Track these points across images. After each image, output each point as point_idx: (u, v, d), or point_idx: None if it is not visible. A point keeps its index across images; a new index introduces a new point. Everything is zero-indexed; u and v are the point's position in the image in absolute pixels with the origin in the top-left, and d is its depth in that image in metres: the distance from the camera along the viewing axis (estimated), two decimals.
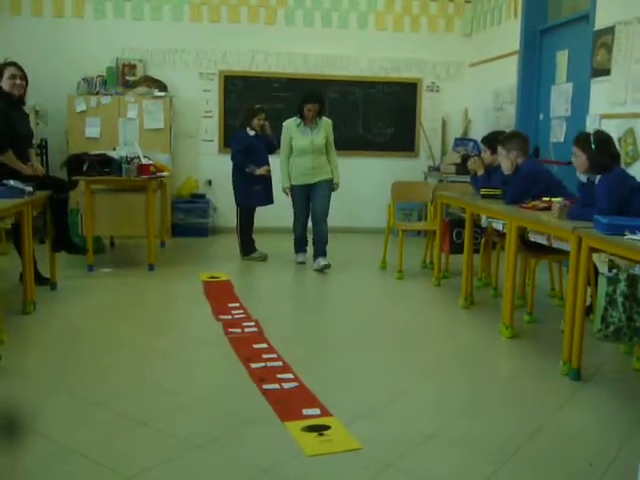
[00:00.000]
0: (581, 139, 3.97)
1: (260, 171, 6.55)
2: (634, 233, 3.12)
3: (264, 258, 6.70)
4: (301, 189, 6.31)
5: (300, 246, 6.58)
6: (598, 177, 3.87)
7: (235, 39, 8.19)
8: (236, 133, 6.82)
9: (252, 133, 6.60)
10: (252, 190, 6.61)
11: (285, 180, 6.32)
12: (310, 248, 6.49)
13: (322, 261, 6.22)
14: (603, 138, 3.95)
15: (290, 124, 6.27)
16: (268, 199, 6.71)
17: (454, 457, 2.71)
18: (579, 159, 3.92)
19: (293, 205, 6.41)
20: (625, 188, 3.75)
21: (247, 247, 6.73)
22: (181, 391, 3.33)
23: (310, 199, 6.34)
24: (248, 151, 6.55)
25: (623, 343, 3.66)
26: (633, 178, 3.92)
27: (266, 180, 6.64)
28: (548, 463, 2.64)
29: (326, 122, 6.31)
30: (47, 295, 5.07)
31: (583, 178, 4.10)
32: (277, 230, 8.08)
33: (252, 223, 6.79)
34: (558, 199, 4.14)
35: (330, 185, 6.36)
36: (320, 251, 6.31)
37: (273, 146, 6.71)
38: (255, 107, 6.74)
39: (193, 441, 2.74)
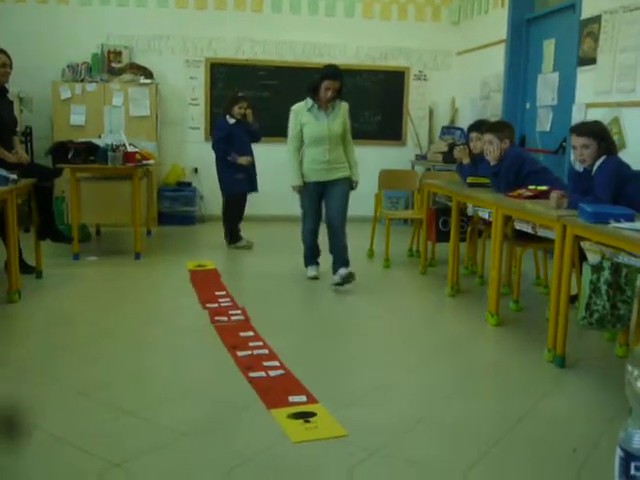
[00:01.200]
0: (584, 128, 3.97)
1: (241, 160, 6.53)
2: (618, 221, 3.14)
3: (250, 246, 6.69)
4: (313, 188, 5.23)
5: (311, 257, 5.49)
6: (596, 165, 3.88)
7: (221, 26, 8.14)
8: (217, 121, 6.80)
9: (232, 121, 6.57)
10: (235, 178, 6.61)
11: (295, 177, 5.21)
12: (324, 261, 5.48)
13: (343, 270, 5.09)
14: (601, 125, 4.00)
15: (300, 108, 5.18)
16: (252, 187, 6.70)
17: (439, 443, 2.73)
18: (591, 149, 3.90)
19: (302, 206, 5.37)
20: (620, 177, 3.78)
21: (233, 235, 6.72)
22: (167, 379, 3.33)
23: (324, 200, 5.29)
24: (228, 139, 6.53)
25: (607, 331, 3.70)
26: (628, 166, 3.94)
27: (248, 168, 6.62)
28: (533, 448, 2.67)
29: (344, 106, 5.25)
30: (32, 284, 5.05)
31: (579, 167, 4.11)
32: (264, 218, 8.09)
33: (242, 211, 6.78)
34: (543, 187, 4.15)
35: (349, 184, 5.29)
36: (340, 260, 5.19)
37: (256, 135, 6.69)
38: (237, 95, 6.72)
39: (180, 429, 2.75)
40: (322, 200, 5.28)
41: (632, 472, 0.75)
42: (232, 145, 6.54)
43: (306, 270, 5.49)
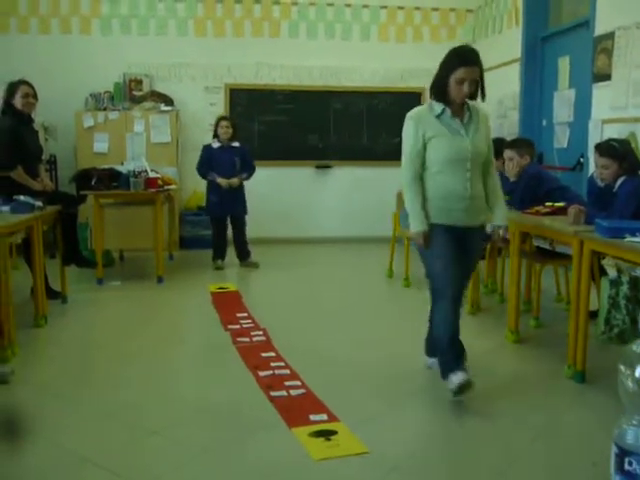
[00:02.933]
0: (606, 148, 4.00)
1: (220, 180, 6.59)
2: (634, 235, 3.16)
3: (220, 267, 6.73)
4: (447, 234, 3.35)
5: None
6: (619, 182, 3.90)
7: (240, 52, 8.28)
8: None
9: (216, 145, 6.69)
10: (210, 200, 6.77)
11: (418, 220, 3.33)
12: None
13: (460, 375, 3.27)
14: (627, 145, 4.01)
15: (421, 114, 3.45)
16: (221, 211, 6.71)
17: (461, 459, 2.75)
18: (611, 169, 3.95)
19: (429, 270, 3.43)
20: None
21: (214, 253, 6.80)
22: (191, 400, 3.37)
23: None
24: (209, 163, 6.65)
25: (628, 345, 3.69)
26: None
27: (226, 191, 6.63)
28: (554, 462, 2.68)
29: (483, 113, 3.53)
30: (58, 309, 5.14)
31: (601, 183, 4.13)
32: (290, 240, 8.17)
33: (219, 233, 6.81)
34: (561, 204, 4.18)
35: (484, 233, 3.58)
36: (454, 354, 3.36)
37: (248, 162, 6.76)
38: (220, 116, 6.84)
39: (203, 447, 2.79)
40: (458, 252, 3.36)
41: (626, 467, 0.78)
42: (214, 168, 6.64)
43: (426, 360, 3.80)
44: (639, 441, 0.79)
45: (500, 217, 3.50)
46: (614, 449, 0.80)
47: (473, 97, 3.38)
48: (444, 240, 3.32)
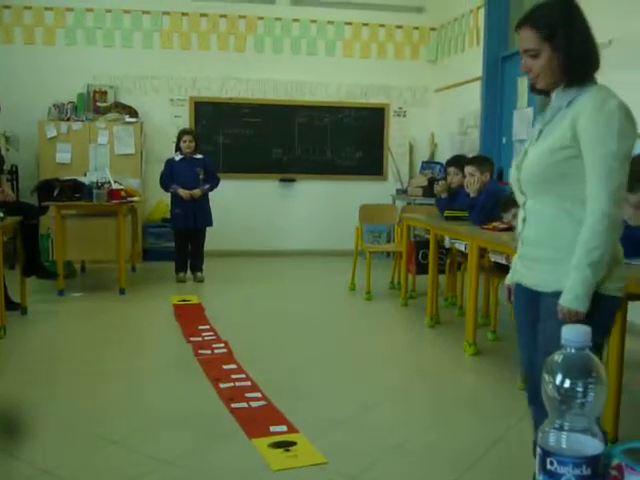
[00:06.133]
0: None
1: (182, 192, 6.61)
2: None
3: (182, 280, 6.76)
4: (523, 294, 2.27)
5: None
6: None
7: (205, 66, 8.32)
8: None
9: (178, 158, 6.74)
10: (174, 213, 6.79)
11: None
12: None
13: None
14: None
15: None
16: (185, 223, 6.72)
17: (417, 468, 2.81)
18: None
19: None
20: None
21: (177, 266, 6.82)
22: (152, 410, 3.38)
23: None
24: (171, 175, 6.69)
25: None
26: None
27: (189, 204, 6.65)
28: (507, 471, 2.75)
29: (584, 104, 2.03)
30: (18, 320, 5.09)
31: None
32: (253, 253, 8.20)
33: (180, 246, 6.84)
34: None
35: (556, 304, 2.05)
36: None
37: (211, 176, 6.81)
38: (182, 130, 6.90)
39: (164, 458, 2.81)
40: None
41: (548, 467, 0.85)
42: (176, 181, 6.67)
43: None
44: (558, 443, 0.86)
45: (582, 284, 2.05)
46: (538, 451, 0.87)
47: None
48: (517, 300, 2.36)
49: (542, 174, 2.09)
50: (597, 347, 2.07)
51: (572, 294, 2.00)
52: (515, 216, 3.44)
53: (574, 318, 1.99)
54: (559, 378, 0.85)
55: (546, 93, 2.16)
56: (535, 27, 2.09)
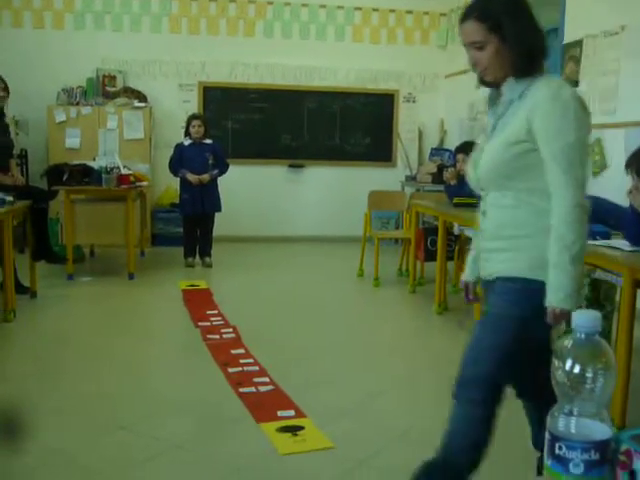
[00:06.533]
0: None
1: (190, 177, 6.60)
2: (595, 239, 3.25)
3: (191, 265, 6.76)
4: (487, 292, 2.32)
5: None
6: None
7: (214, 51, 8.29)
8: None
9: (187, 142, 6.73)
10: (182, 198, 6.79)
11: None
12: None
13: None
14: None
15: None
16: (193, 209, 6.72)
17: (423, 455, 2.81)
18: None
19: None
20: None
21: (186, 251, 6.84)
22: (160, 395, 3.40)
23: None
24: (180, 160, 6.68)
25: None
26: None
27: (197, 189, 6.65)
28: (511, 459, 2.76)
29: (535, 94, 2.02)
30: (27, 304, 5.12)
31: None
32: (262, 239, 8.21)
33: (189, 232, 6.86)
34: None
35: (515, 290, 2.08)
36: None
37: (220, 158, 6.79)
38: (191, 115, 6.89)
39: (172, 441, 2.83)
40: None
41: (557, 451, 0.85)
42: (184, 166, 6.66)
43: None
44: (567, 428, 0.86)
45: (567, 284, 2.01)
46: (547, 435, 0.86)
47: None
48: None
49: (499, 170, 2.08)
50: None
51: (562, 293, 1.94)
52: None
53: (563, 319, 1.96)
54: (569, 363, 0.84)
55: (496, 85, 2.13)
56: (480, 19, 2.05)
